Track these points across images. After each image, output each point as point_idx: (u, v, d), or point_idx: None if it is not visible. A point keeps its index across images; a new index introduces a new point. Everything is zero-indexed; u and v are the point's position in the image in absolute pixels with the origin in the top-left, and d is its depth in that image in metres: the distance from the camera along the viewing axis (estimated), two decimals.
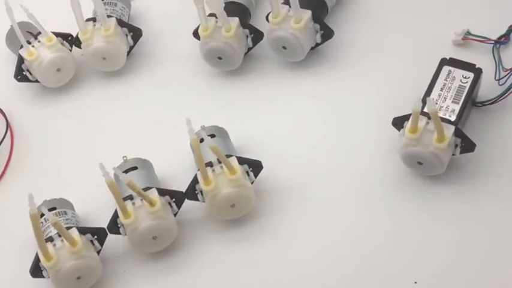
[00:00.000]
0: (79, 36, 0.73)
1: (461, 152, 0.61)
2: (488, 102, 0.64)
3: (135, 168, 0.65)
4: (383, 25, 0.72)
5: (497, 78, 0.64)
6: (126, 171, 0.65)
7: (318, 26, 0.69)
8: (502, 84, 0.63)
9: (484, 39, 0.67)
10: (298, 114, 0.70)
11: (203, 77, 0.74)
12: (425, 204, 0.62)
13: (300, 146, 0.68)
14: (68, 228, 0.62)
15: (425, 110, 0.58)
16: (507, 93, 0.63)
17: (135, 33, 0.75)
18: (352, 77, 0.70)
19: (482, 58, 0.67)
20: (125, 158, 0.67)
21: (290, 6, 0.68)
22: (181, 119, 0.69)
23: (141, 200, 0.61)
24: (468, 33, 0.69)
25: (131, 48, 0.76)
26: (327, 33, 0.69)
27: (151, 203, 0.61)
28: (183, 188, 0.64)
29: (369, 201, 0.63)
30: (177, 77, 0.75)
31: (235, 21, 0.70)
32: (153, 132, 0.71)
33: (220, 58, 0.71)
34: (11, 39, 0.77)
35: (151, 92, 0.75)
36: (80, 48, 0.75)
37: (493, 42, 0.67)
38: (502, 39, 0.67)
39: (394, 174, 0.63)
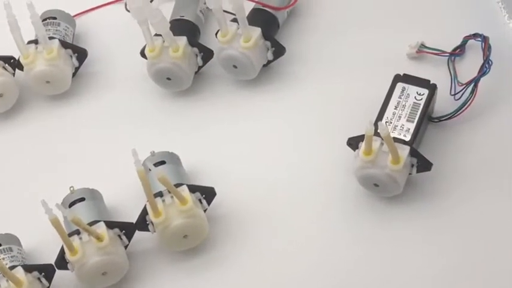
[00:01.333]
0: (21, 60, 0.70)
1: (418, 171, 0.59)
2: (444, 118, 0.62)
3: (82, 199, 0.63)
4: (337, 39, 0.70)
5: (452, 93, 0.63)
6: (73, 203, 0.62)
7: (268, 43, 0.67)
8: (458, 99, 0.62)
9: (439, 52, 0.66)
10: (252, 135, 0.67)
11: (153, 98, 0.71)
12: (384, 224, 0.60)
13: (254, 168, 0.65)
14: (13, 267, 0.59)
15: (379, 132, 0.56)
16: (463, 109, 0.61)
17: (80, 54, 0.72)
18: (307, 94, 0.68)
19: (437, 71, 0.66)
20: (71, 189, 0.64)
21: (239, 24, 0.67)
22: (132, 144, 0.67)
23: (89, 234, 0.59)
24: (422, 45, 0.67)
25: (77, 69, 0.73)
26: (279, 50, 0.67)
27: (99, 238, 0.58)
28: (134, 217, 0.61)
29: (326, 224, 0.62)
30: (126, 99, 0.72)
31: (182, 40, 0.67)
32: (102, 158, 0.69)
33: (169, 79, 0.68)
34: None
35: (99, 116, 0.72)
36: (21, 70, 0.72)
37: (447, 54, 0.66)
38: (457, 51, 0.66)
39: (352, 195, 0.62)
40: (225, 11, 0.68)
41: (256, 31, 0.65)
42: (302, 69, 0.69)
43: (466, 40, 0.66)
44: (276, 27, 0.70)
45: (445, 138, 0.63)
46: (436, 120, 0.62)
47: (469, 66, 0.65)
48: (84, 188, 0.64)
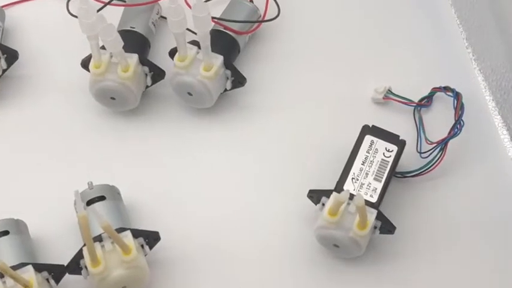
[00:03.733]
0: None
1: (380, 233, 0.56)
2: (409, 175, 0.59)
3: (5, 233, 0.55)
4: (299, 70, 0.65)
5: (419, 149, 0.60)
6: None
7: (229, 72, 0.61)
8: (425, 158, 0.60)
9: (406, 101, 0.63)
10: (202, 167, 0.61)
11: (91, 114, 0.63)
12: (339, 285, 0.57)
13: (203, 206, 0.60)
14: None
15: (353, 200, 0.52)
16: (430, 168, 0.59)
17: (10, 56, 0.63)
18: (265, 129, 0.63)
19: (402, 120, 0.63)
20: None
21: (199, 48, 0.60)
22: (64, 167, 0.61)
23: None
24: (389, 91, 0.63)
25: (3, 71, 0.64)
26: (239, 81, 0.61)
27: (25, 286, 0.51)
28: (64, 256, 0.54)
29: (276, 278, 0.57)
30: (59, 113, 0.64)
31: (133, 58, 0.60)
32: (28, 183, 0.60)
33: (113, 98, 0.61)
34: None
35: (27, 130, 0.63)
36: None
37: (414, 105, 0.63)
38: (424, 102, 0.63)
39: (307, 250, 0.57)
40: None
41: (219, 59, 0.59)
42: (260, 100, 0.64)
43: (434, 92, 0.63)
44: (237, 52, 0.64)
45: (407, 194, 0.60)
46: (399, 176, 0.59)
47: (436, 119, 0.62)
48: (6, 218, 0.55)
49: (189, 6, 0.62)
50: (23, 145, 0.62)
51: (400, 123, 0.62)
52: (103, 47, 0.60)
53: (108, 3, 0.63)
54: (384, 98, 0.63)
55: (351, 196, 0.54)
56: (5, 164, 0.62)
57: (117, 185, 0.59)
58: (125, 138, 0.63)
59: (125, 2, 0.66)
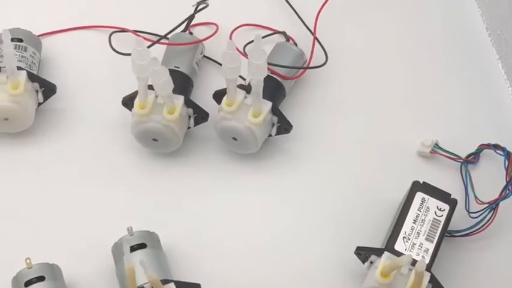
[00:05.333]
0: None
1: None
2: (458, 234, 0.57)
3: (41, 278, 0.52)
4: (344, 117, 0.64)
5: (468, 208, 0.58)
6: (27, 285, 0.52)
7: (275, 118, 0.59)
8: (474, 218, 0.58)
9: (453, 157, 0.61)
10: (243, 213, 0.59)
11: (130, 154, 0.61)
12: None
13: (243, 251, 0.58)
14: None
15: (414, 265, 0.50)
16: (480, 229, 0.57)
17: (48, 89, 0.61)
18: (308, 178, 0.61)
19: (449, 174, 0.61)
20: (27, 261, 0.53)
21: (248, 93, 0.59)
22: (100, 208, 0.59)
23: None
24: (436, 145, 0.62)
25: (39, 104, 0.62)
26: (285, 127, 0.60)
27: None
28: None
29: None
30: (95, 151, 0.62)
31: (180, 100, 0.58)
32: (62, 224, 0.58)
33: (155, 140, 0.59)
34: None
35: (61, 168, 0.61)
36: None
37: (461, 161, 0.61)
38: (471, 159, 0.61)
39: None
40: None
41: (267, 105, 0.58)
42: (303, 147, 0.62)
43: (482, 148, 0.61)
44: (282, 97, 0.62)
45: (453, 254, 0.58)
46: (447, 235, 0.58)
47: (483, 176, 0.61)
48: (42, 263, 0.53)
49: (243, 55, 0.60)
50: (57, 184, 0.60)
51: (447, 179, 0.61)
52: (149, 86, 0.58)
53: (157, 41, 0.62)
54: (430, 152, 0.62)
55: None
56: (37, 202, 0.59)
57: (155, 228, 0.56)
58: (164, 180, 0.61)
59: (167, 40, 0.65)
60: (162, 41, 0.63)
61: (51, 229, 0.58)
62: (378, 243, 0.58)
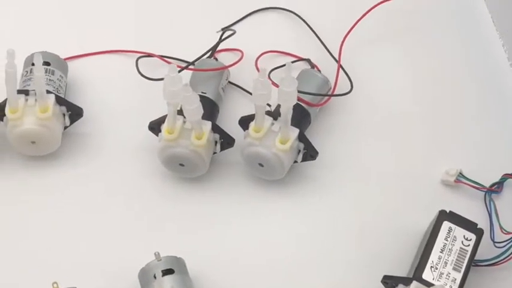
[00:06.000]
0: (6, 113, 0.58)
1: None
2: (482, 264, 0.57)
3: None
4: (368, 144, 0.64)
5: (493, 238, 0.58)
6: None
7: (302, 145, 0.60)
8: (500, 247, 0.58)
9: (477, 186, 0.62)
10: (267, 239, 0.59)
11: (155, 179, 0.61)
12: None
13: (267, 278, 0.57)
14: None
15: None
16: (506, 259, 0.57)
17: (74, 113, 0.61)
18: (332, 204, 0.61)
19: (473, 203, 0.61)
20: (55, 286, 0.53)
21: (275, 119, 0.59)
22: (125, 232, 0.59)
23: None
24: (461, 174, 0.63)
25: (65, 127, 0.62)
26: (311, 154, 0.60)
27: None
28: None
29: None
30: (122, 174, 0.62)
31: (207, 126, 0.58)
32: (89, 247, 0.58)
33: (182, 165, 0.60)
34: None
35: (85, 192, 0.61)
36: (0, 119, 0.60)
37: (485, 190, 0.61)
38: (495, 188, 0.62)
39: None
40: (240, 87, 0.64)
41: (295, 132, 0.58)
42: (328, 174, 0.62)
43: (505, 178, 0.62)
44: (308, 124, 0.62)
45: (478, 283, 0.58)
46: (472, 264, 0.58)
47: (507, 206, 0.61)
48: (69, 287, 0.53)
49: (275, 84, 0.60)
50: (82, 207, 0.60)
51: (471, 208, 0.61)
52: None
53: (186, 67, 0.62)
54: (455, 181, 0.62)
55: None
56: (62, 226, 0.59)
57: (180, 252, 0.56)
58: (189, 205, 0.61)
59: (193, 65, 0.65)
60: (189, 66, 0.64)
61: (76, 253, 0.58)
62: (402, 271, 0.58)
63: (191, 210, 0.60)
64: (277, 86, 0.56)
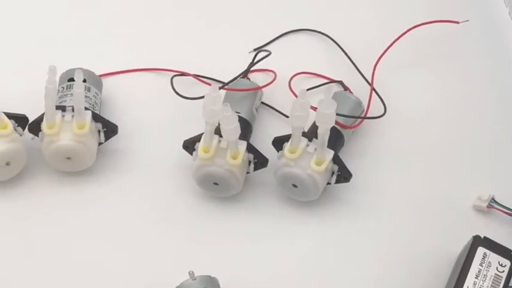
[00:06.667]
0: (43, 128, 0.58)
1: None
2: None
3: None
4: (400, 167, 0.64)
5: None
6: None
7: (336, 167, 0.60)
8: None
9: (510, 212, 0.61)
10: (299, 261, 0.59)
11: (189, 196, 0.61)
12: None
13: None
14: None
15: None
16: None
17: (109, 130, 0.61)
18: (364, 228, 0.61)
19: (505, 229, 0.61)
20: None
21: (310, 141, 0.59)
22: (157, 250, 0.59)
23: None
24: (493, 200, 0.63)
25: (99, 143, 0.62)
26: (345, 176, 0.60)
27: None
28: None
29: None
30: (154, 192, 0.62)
31: (243, 146, 0.59)
32: (121, 265, 0.58)
33: (216, 184, 0.60)
34: None
35: (118, 208, 0.61)
36: (36, 135, 0.60)
37: None
38: None
39: None
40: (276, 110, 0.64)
41: (330, 154, 0.58)
42: (360, 197, 0.62)
43: None
44: (341, 146, 0.63)
45: None
46: None
47: None
48: None
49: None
50: (115, 224, 0.60)
51: (503, 234, 0.60)
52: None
53: (222, 87, 0.62)
54: (487, 207, 0.62)
55: None
56: (92, 243, 0.59)
57: (212, 271, 0.56)
58: (222, 224, 0.61)
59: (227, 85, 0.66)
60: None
61: (109, 270, 0.58)
62: None
63: (224, 229, 0.60)
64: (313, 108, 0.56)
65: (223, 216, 0.61)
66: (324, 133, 0.56)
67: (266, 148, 0.62)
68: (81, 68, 0.63)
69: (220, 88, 0.62)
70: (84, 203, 0.61)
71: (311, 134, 0.59)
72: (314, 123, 0.60)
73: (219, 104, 0.54)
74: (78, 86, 0.55)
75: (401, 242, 0.61)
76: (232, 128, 0.55)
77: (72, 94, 0.61)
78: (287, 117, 0.65)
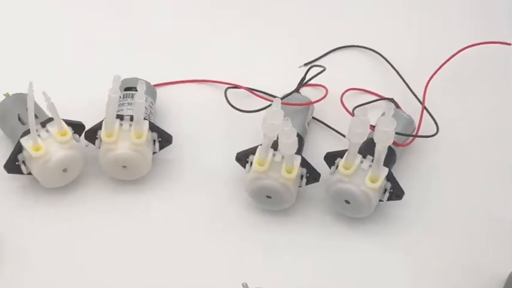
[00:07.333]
0: (102, 136, 0.59)
1: None
2: None
3: None
4: (453, 187, 0.64)
5: None
6: None
7: (389, 185, 0.60)
8: None
9: None
10: (346, 276, 0.59)
11: (240, 208, 0.62)
12: None
13: None
14: None
15: None
16: None
17: (164, 140, 0.62)
18: (415, 244, 0.61)
19: None
20: None
21: (364, 157, 0.59)
22: (208, 261, 0.59)
23: None
24: None
25: (153, 153, 0.63)
26: (397, 194, 0.60)
27: None
28: None
29: None
30: (206, 202, 0.62)
31: (298, 160, 0.59)
32: (173, 274, 0.58)
33: (269, 197, 0.60)
34: (3, 115, 0.62)
35: (172, 216, 0.61)
36: (92, 143, 0.61)
37: None
38: None
39: None
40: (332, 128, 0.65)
41: (385, 171, 0.58)
42: (412, 215, 0.62)
43: None
44: (393, 163, 0.63)
45: None
46: None
47: None
48: None
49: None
50: (166, 233, 0.60)
51: None
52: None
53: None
54: None
55: None
56: (146, 251, 0.59)
57: (262, 284, 0.56)
58: (272, 237, 0.61)
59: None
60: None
61: (162, 280, 0.58)
62: None
63: (274, 242, 0.61)
64: None
65: (274, 229, 0.61)
66: (381, 150, 0.56)
67: (315, 163, 0.62)
68: (136, 78, 0.64)
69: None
70: (137, 211, 0.62)
71: (365, 150, 0.60)
72: (367, 139, 0.60)
73: (280, 119, 0.54)
74: (140, 97, 0.56)
75: (451, 260, 0.60)
76: (290, 143, 0.55)
77: (129, 103, 0.62)
78: (337, 132, 0.66)
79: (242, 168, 0.62)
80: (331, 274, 0.60)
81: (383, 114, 0.65)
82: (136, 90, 0.61)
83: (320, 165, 0.62)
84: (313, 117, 0.67)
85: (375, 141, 0.56)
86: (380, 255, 0.61)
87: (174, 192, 0.63)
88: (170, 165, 0.64)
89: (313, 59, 0.72)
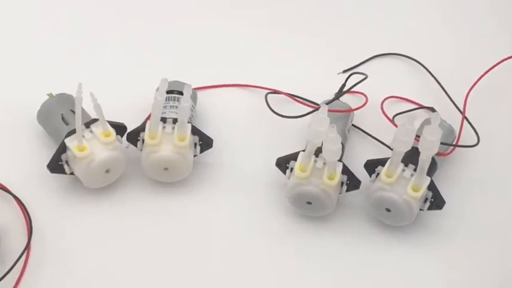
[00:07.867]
0: (146, 138, 0.59)
1: None
2: None
3: None
4: (492, 198, 0.63)
5: None
6: None
7: (430, 194, 0.60)
8: None
9: None
10: (385, 285, 0.59)
11: (279, 213, 0.62)
12: None
13: None
14: None
15: None
16: None
17: (204, 143, 0.62)
18: (455, 255, 0.60)
19: None
20: None
21: (406, 166, 0.59)
22: (245, 265, 0.59)
23: None
24: None
25: (194, 156, 0.63)
26: (437, 203, 0.60)
27: None
28: None
29: None
30: (245, 205, 0.62)
31: (340, 167, 0.59)
32: (209, 278, 0.58)
33: (309, 203, 0.60)
34: (46, 115, 0.63)
35: (211, 218, 0.62)
36: (134, 144, 0.62)
37: None
38: None
39: None
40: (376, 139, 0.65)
41: (427, 180, 0.58)
42: (452, 225, 0.61)
43: None
44: (434, 172, 0.63)
45: None
46: None
47: None
48: None
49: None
50: (205, 237, 0.60)
51: None
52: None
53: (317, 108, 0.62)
54: None
55: None
56: (180, 254, 0.59)
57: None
58: (310, 244, 0.61)
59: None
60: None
61: (198, 283, 0.58)
62: None
63: (312, 249, 0.61)
64: None
65: (313, 235, 0.61)
66: (425, 159, 0.56)
67: (354, 170, 0.62)
68: (178, 81, 0.64)
69: (317, 109, 0.63)
70: (176, 213, 0.62)
71: (406, 159, 0.60)
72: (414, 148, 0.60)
73: (326, 125, 0.54)
74: (186, 100, 0.56)
75: (489, 272, 0.60)
76: (335, 150, 0.55)
77: (171, 106, 0.62)
78: (377, 140, 0.66)
79: (281, 173, 0.62)
80: (368, 282, 0.60)
81: (423, 122, 0.66)
82: (178, 93, 0.63)
83: (359, 173, 0.62)
84: (353, 125, 0.68)
85: (420, 150, 0.56)
86: (418, 264, 0.60)
87: (212, 195, 0.63)
88: (209, 169, 0.64)
89: (352, 65, 0.72)
